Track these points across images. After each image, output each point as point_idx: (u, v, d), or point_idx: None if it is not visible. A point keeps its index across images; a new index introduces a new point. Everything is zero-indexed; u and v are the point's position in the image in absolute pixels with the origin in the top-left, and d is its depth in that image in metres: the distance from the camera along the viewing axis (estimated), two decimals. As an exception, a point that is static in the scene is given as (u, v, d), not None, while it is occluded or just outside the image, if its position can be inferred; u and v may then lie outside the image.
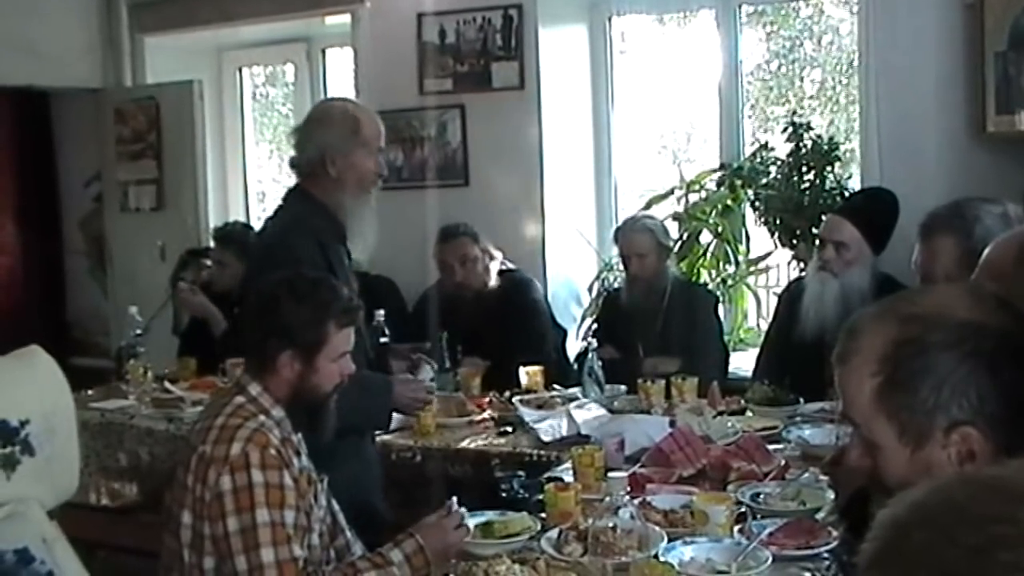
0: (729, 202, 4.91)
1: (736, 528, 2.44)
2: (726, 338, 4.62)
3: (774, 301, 4.50)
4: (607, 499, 2.39)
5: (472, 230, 4.54)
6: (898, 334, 1.39)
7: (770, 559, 2.25)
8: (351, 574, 2.27)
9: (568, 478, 2.87)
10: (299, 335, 2.39)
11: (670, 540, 2.35)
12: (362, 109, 3.20)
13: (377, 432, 3.35)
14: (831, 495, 2.55)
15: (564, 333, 4.83)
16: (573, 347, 4.87)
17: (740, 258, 4.99)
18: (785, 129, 4.61)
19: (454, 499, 2.46)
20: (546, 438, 3.40)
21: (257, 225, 5.82)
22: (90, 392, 4.33)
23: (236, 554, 2.19)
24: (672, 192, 5.10)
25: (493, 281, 4.55)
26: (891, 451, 1.40)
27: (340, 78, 6.20)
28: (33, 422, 1.74)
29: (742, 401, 3.66)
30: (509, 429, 3.61)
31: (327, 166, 3.04)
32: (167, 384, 4.31)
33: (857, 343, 1.43)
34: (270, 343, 2.39)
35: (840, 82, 5.57)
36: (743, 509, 2.53)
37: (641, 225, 4.35)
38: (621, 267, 4.54)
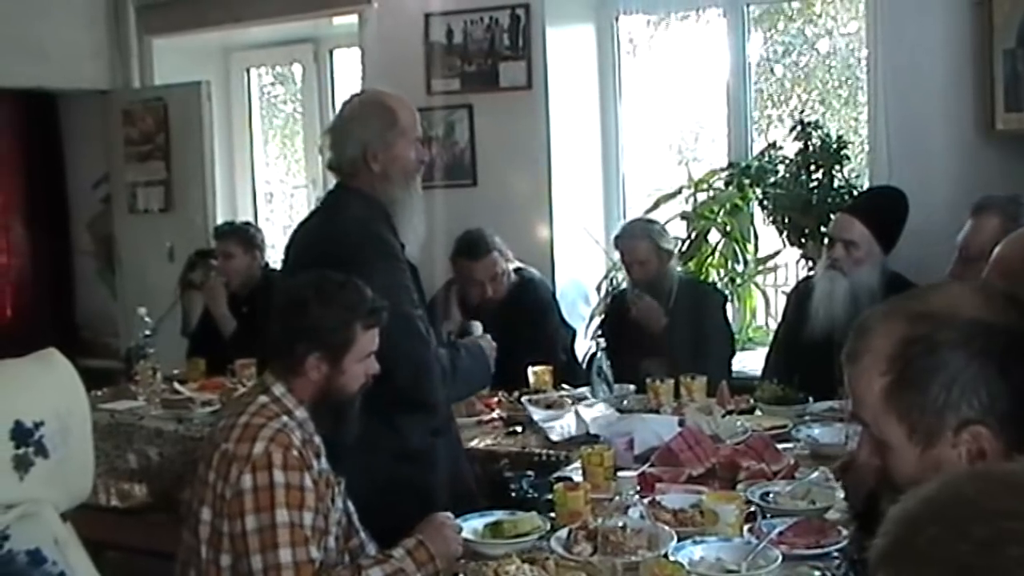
0: (737, 201, 4.90)
1: (746, 527, 2.43)
2: (735, 337, 4.61)
3: (783, 300, 4.49)
4: (616, 498, 2.39)
5: (495, 240, 4.46)
6: (907, 333, 1.38)
7: (780, 558, 2.25)
8: (357, 573, 2.28)
9: (577, 477, 2.86)
10: (326, 338, 2.40)
11: (680, 539, 2.35)
12: (395, 98, 3.09)
13: None
14: (841, 494, 2.54)
15: (573, 332, 4.82)
16: (582, 346, 4.87)
17: (748, 257, 4.98)
18: (793, 128, 4.61)
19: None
20: (555, 438, 3.40)
21: (264, 225, 5.86)
22: (99, 393, 4.34)
23: (253, 553, 2.20)
24: (680, 191, 5.10)
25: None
26: (901, 450, 1.40)
27: (348, 78, 6.21)
28: (48, 424, 1.74)
29: (751, 400, 3.65)
30: (518, 429, 3.61)
31: (369, 162, 2.95)
32: (176, 385, 4.31)
33: (866, 342, 1.42)
34: (298, 346, 2.40)
35: (848, 80, 5.56)
36: (753, 508, 2.53)
37: (640, 231, 4.32)
38: (624, 270, 4.53)
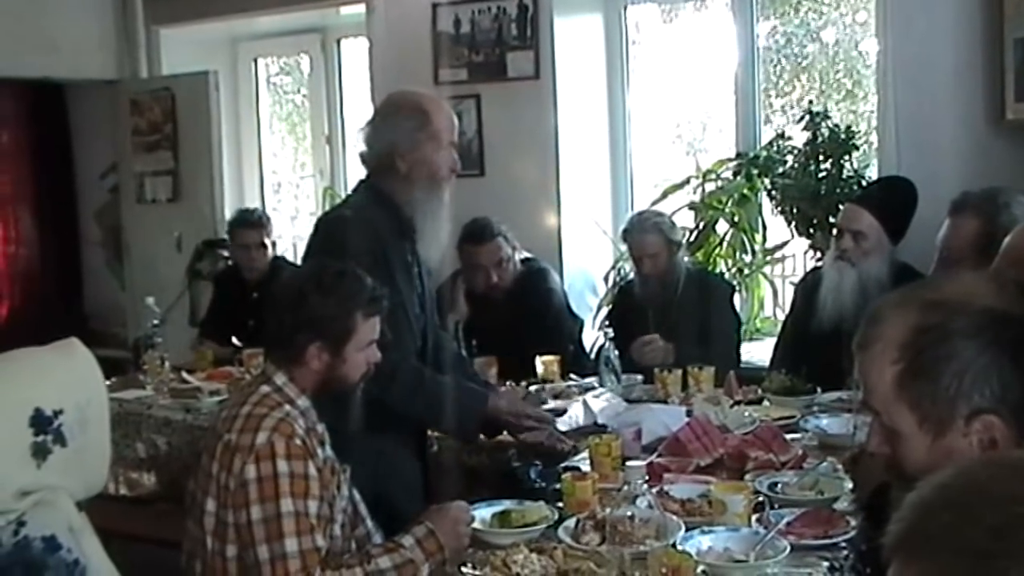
0: (746, 191, 4.89)
1: (754, 517, 2.43)
2: (743, 328, 4.60)
3: (791, 291, 4.48)
4: (624, 488, 2.39)
5: (500, 227, 4.44)
6: (919, 321, 1.38)
7: (788, 548, 2.25)
8: (366, 560, 2.28)
9: (585, 467, 2.87)
10: (327, 328, 2.40)
11: (688, 529, 2.35)
12: (432, 100, 3.07)
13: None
14: (849, 484, 2.55)
15: (581, 322, 4.82)
16: (589, 336, 4.87)
17: (757, 247, 4.97)
18: (802, 118, 4.59)
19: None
20: (563, 427, 3.40)
21: (272, 215, 5.86)
22: (108, 383, 4.34)
23: (259, 543, 2.20)
24: (688, 181, 5.09)
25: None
26: (912, 439, 1.40)
27: (355, 68, 6.21)
28: (67, 412, 1.76)
29: (759, 391, 3.65)
30: (526, 419, 3.60)
31: (396, 161, 2.95)
32: (184, 374, 4.32)
33: (878, 330, 1.42)
34: (298, 336, 2.40)
35: (857, 70, 5.54)
36: (761, 498, 2.53)
37: (650, 225, 4.30)
38: (633, 264, 4.51)
